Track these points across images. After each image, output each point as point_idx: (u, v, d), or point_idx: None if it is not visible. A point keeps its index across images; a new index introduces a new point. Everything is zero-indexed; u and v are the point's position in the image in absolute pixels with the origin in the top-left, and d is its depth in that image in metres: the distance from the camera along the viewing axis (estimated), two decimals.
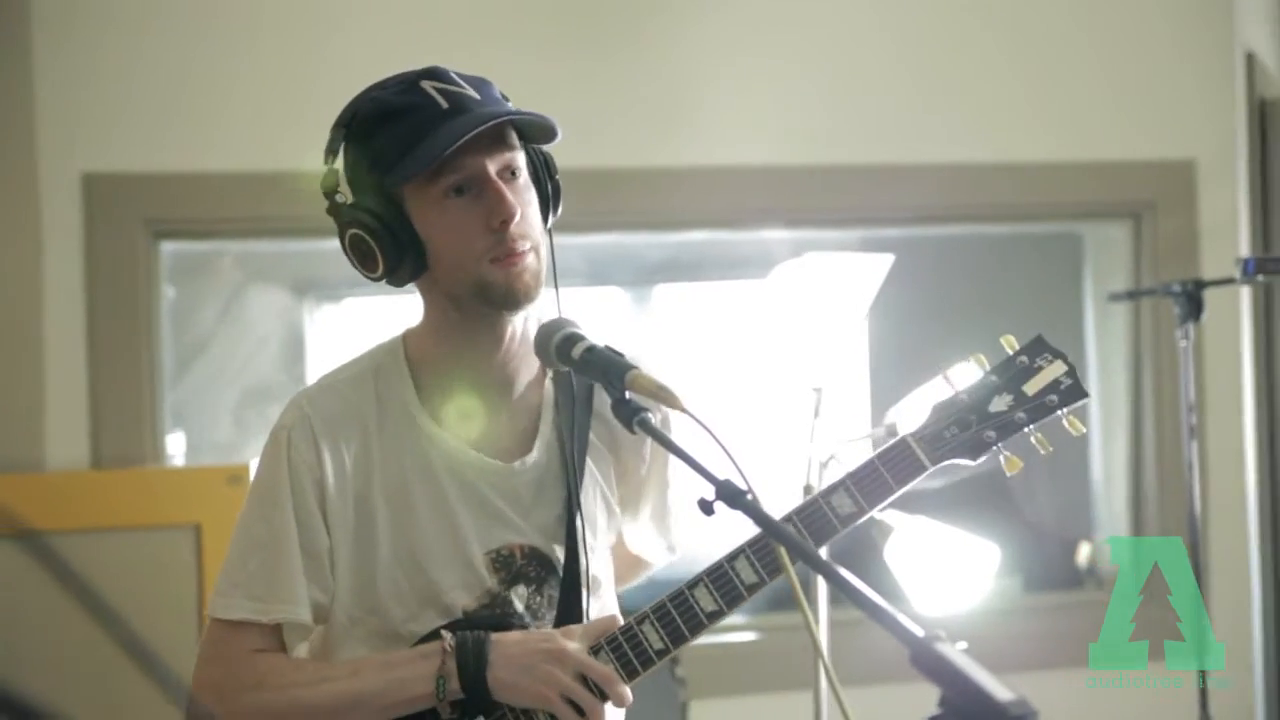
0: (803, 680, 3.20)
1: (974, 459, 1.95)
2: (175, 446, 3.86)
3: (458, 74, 1.95)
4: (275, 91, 3.75)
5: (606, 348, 1.83)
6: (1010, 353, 1.99)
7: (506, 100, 1.98)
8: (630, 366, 1.77)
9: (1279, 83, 4.89)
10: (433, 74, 1.93)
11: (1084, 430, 1.98)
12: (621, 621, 1.94)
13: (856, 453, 3.22)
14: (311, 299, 4.69)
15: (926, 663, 1.36)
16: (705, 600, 1.92)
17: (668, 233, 4.26)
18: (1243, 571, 4.23)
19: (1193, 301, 3.33)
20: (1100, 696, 3.29)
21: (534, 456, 2.03)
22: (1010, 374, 1.97)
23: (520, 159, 1.95)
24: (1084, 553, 4.54)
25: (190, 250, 4.00)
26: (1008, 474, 1.93)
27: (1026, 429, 1.96)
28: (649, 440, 2.01)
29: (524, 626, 1.99)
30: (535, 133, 1.98)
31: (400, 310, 2.19)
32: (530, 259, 1.92)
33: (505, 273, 1.90)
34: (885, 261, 3.00)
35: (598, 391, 2.07)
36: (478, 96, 1.92)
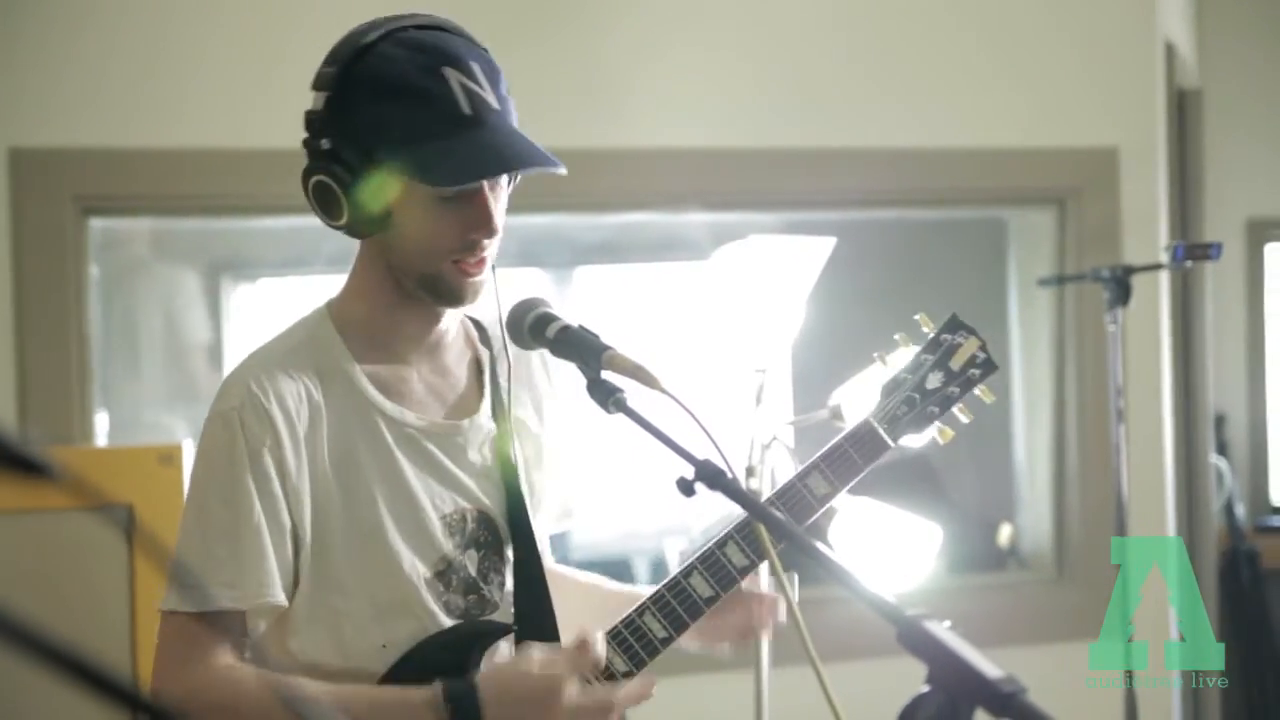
0: (739, 660, 3.21)
1: (919, 433, 2.07)
2: (99, 426, 3.80)
3: (474, 57, 1.87)
4: (208, 67, 3.69)
5: (580, 327, 1.83)
6: (928, 331, 2.11)
7: (509, 99, 1.92)
8: (606, 346, 1.77)
9: (1195, 73, 5.00)
10: (454, 59, 1.85)
11: (993, 398, 2.12)
12: (595, 636, 1.89)
13: (797, 434, 3.25)
14: (228, 278, 4.64)
15: (914, 641, 1.39)
16: (701, 587, 1.98)
17: (599, 215, 4.25)
18: None
19: (1121, 287, 3.40)
20: (1026, 677, 3.34)
21: (477, 418, 2.01)
22: (938, 352, 2.09)
23: None
24: (1004, 534, 4.61)
25: (107, 227, 3.93)
26: (940, 443, 2.07)
27: (958, 403, 2.09)
28: (546, 402, 2.09)
29: (480, 594, 1.95)
30: None
31: (317, 292, 2.14)
32: (488, 268, 1.91)
33: (462, 279, 1.89)
34: (827, 245, 3.02)
35: (515, 353, 2.04)
36: (496, 107, 1.86)
